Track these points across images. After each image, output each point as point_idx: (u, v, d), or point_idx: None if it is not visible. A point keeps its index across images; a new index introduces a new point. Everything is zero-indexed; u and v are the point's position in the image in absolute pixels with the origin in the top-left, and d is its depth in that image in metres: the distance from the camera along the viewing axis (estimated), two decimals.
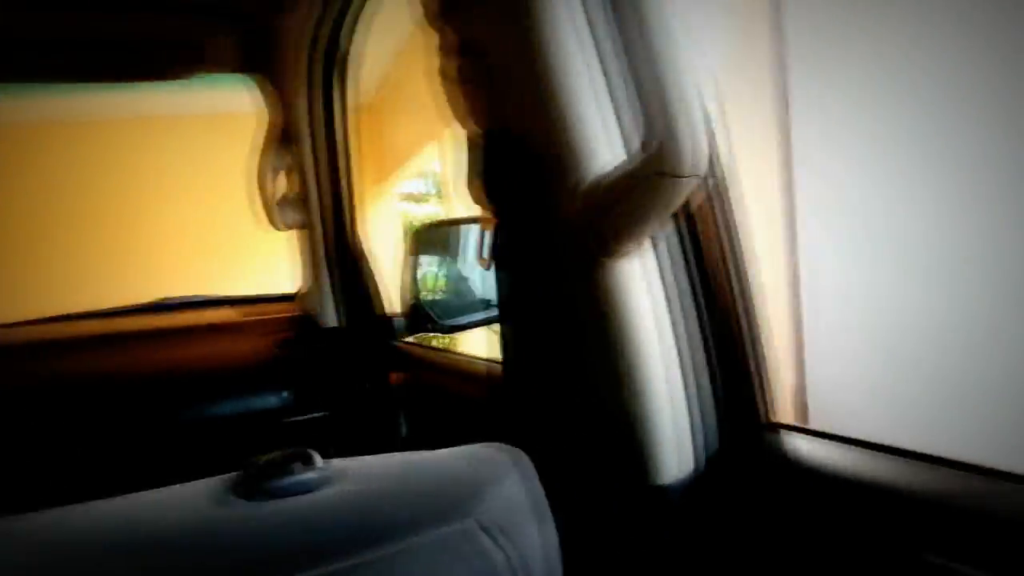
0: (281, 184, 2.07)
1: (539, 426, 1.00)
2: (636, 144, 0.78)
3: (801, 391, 1.69)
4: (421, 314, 1.63)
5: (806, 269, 1.71)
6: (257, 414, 1.89)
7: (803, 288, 1.70)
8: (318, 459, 0.68)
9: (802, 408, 1.64)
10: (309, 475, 0.66)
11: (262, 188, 2.00)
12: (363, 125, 2.14)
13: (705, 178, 0.82)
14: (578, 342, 0.91)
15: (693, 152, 0.72)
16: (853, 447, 0.80)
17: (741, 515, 0.86)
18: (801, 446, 0.85)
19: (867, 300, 1.58)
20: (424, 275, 1.68)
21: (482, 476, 0.71)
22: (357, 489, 0.67)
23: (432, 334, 1.95)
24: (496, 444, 0.78)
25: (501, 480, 0.71)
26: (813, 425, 0.89)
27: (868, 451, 0.78)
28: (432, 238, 1.73)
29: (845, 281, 1.63)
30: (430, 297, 1.68)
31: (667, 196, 0.74)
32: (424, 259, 1.67)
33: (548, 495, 0.73)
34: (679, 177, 0.72)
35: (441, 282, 1.72)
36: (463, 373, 1.61)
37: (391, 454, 0.75)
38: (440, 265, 1.72)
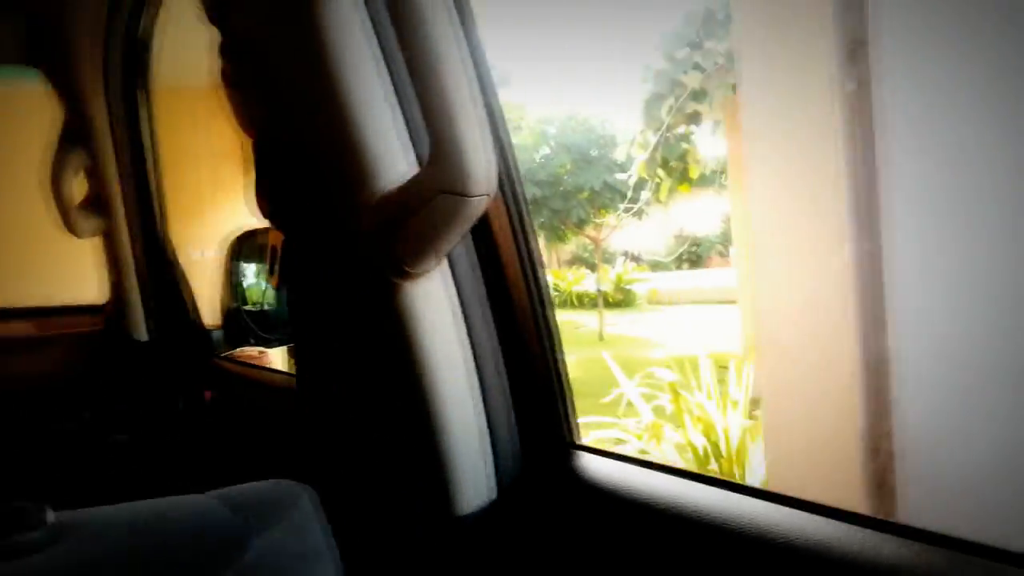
0: (81, 186, 1.89)
1: (334, 456, 0.97)
2: (441, 165, 0.74)
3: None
4: (242, 327, 1.53)
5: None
6: (52, 438, 1.72)
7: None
8: (49, 513, 0.60)
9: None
10: (32, 535, 0.58)
11: (56, 190, 1.82)
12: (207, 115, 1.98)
13: (502, 198, 0.81)
14: (372, 366, 0.88)
15: (481, 171, 0.70)
16: (651, 469, 0.83)
17: (543, 537, 0.87)
18: (602, 467, 0.86)
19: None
20: (247, 285, 1.57)
21: (249, 522, 0.65)
22: (90, 548, 0.60)
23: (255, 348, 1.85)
24: (280, 481, 0.73)
25: (272, 525, 0.66)
26: None
27: (664, 473, 0.81)
28: (253, 246, 1.59)
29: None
30: (252, 309, 1.56)
31: (458, 215, 0.72)
32: (246, 268, 1.56)
33: (340, 530, 0.69)
34: (467, 196, 0.71)
35: (265, 293, 1.58)
36: (285, 391, 1.52)
37: (141, 502, 0.68)
38: (262, 275, 1.63)
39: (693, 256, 20.62)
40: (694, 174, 7.34)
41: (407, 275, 0.79)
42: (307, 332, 0.96)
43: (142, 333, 1.93)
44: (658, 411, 4.96)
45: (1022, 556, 0.55)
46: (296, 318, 0.97)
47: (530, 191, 11.24)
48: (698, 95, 6.57)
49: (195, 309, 1.91)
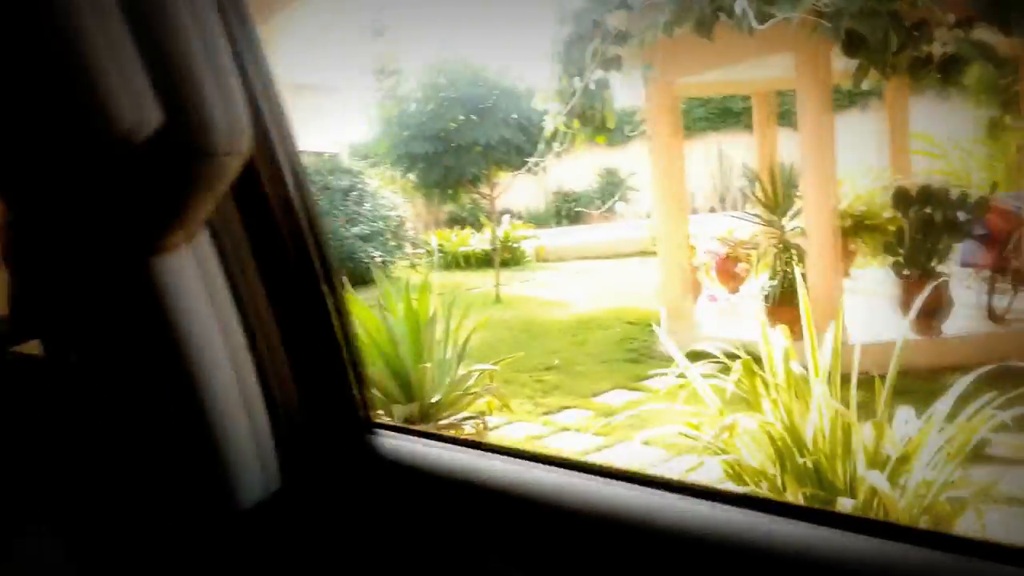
0: None
1: (91, 458, 0.91)
2: (177, 118, 0.64)
3: None
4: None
5: None
6: None
7: None
8: None
9: None
10: None
11: None
12: None
13: (276, 162, 0.79)
14: (127, 356, 0.80)
15: (226, 125, 0.65)
16: (452, 444, 0.88)
17: (340, 520, 0.88)
18: (401, 445, 0.90)
19: None
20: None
21: None
22: None
23: None
24: None
25: None
26: None
27: (465, 448, 0.87)
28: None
29: None
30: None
31: (203, 175, 0.66)
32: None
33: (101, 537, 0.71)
34: (212, 154, 0.65)
35: None
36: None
37: None
38: None
39: (573, 213, 20.61)
40: (611, 124, 6.95)
41: (157, 248, 0.72)
42: (47, 323, 0.88)
43: None
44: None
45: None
46: (27, 308, 0.88)
47: (421, 147, 10.57)
48: (622, 37, 6.16)
49: None
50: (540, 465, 0.79)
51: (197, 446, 0.80)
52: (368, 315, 3.71)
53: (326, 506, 0.87)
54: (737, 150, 18.10)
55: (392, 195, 15.24)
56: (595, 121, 6.99)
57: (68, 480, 0.86)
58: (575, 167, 19.37)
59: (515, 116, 10.67)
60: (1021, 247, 5.93)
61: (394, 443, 0.89)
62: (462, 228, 17.29)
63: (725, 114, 17.93)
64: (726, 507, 0.67)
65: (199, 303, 0.77)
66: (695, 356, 6.79)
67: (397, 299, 3.88)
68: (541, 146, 10.99)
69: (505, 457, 0.82)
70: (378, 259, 14.38)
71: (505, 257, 12.16)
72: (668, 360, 6.97)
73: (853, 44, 5.02)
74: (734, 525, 0.65)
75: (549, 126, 7.39)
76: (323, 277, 0.86)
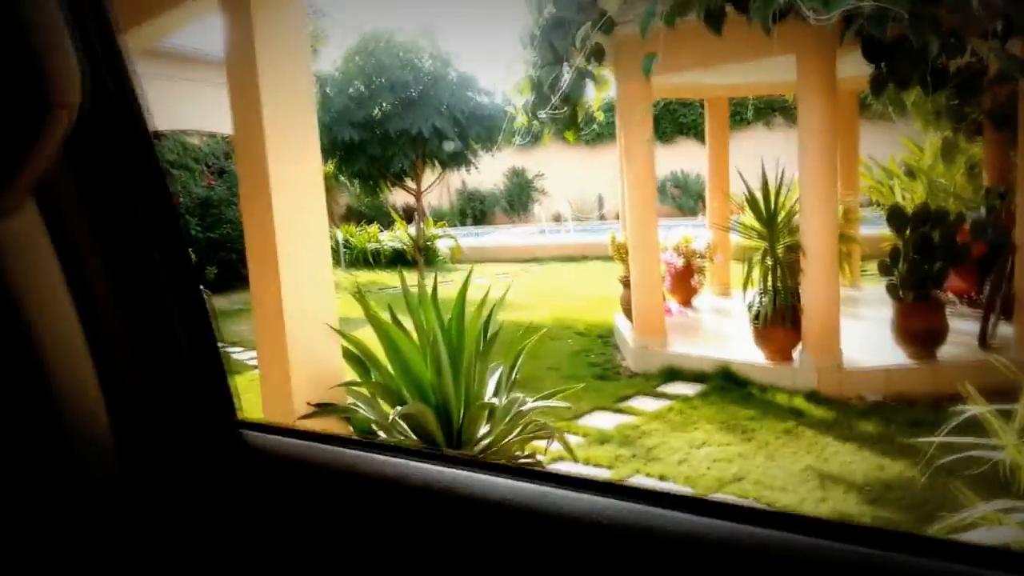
0: None
1: None
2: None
3: None
4: None
5: None
6: None
7: None
8: None
9: None
10: None
11: None
12: None
13: (109, 128, 0.77)
14: None
15: (57, 76, 0.59)
16: (320, 442, 0.91)
17: (207, 517, 0.89)
18: (268, 443, 0.92)
19: None
20: None
21: None
22: None
23: None
24: None
25: None
26: None
27: (333, 444, 0.90)
28: None
29: None
30: None
31: (36, 129, 0.59)
32: None
33: None
34: (45, 105, 0.59)
35: None
36: None
37: None
38: None
39: (479, 213, 19.97)
40: (581, 119, 6.38)
41: None
42: None
43: None
44: None
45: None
46: None
47: (345, 134, 9.63)
48: (609, 24, 5.60)
49: None
50: (411, 459, 0.84)
51: (36, 447, 0.77)
52: (398, 334, 2.95)
53: (185, 499, 0.88)
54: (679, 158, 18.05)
55: None
56: (565, 117, 6.40)
57: None
58: (543, 163, 18.78)
59: (447, 106, 9.92)
60: (1000, 271, 5.80)
61: (261, 439, 0.91)
62: (358, 224, 16.28)
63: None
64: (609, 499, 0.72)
65: (25, 279, 0.72)
66: (671, 374, 6.36)
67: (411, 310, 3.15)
68: (497, 138, 10.28)
69: (376, 451, 0.86)
70: None
71: (417, 257, 11.42)
72: (643, 377, 6.52)
73: (882, 50, 4.67)
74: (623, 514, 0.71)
75: (517, 117, 6.73)
76: (174, 262, 0.84)
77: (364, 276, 13.10)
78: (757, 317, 5.78)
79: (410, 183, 10.72)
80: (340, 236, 14.50)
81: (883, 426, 4.88)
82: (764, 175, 5.98)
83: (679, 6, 5.19)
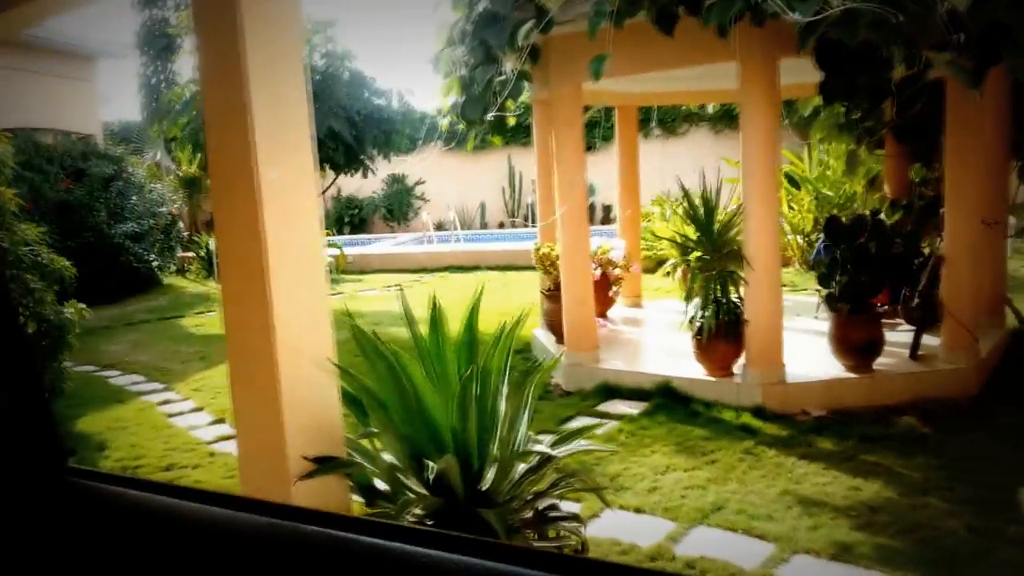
0: None
1: None
2: None
3: None
4: None
5: None
6: None
7: None
8: None
9: None
10: None
11: None
12: None
13: None
14: None
15: None
16: (148, 491, 0.89)
17: (36, 562, 0.88)
18: (102, 490, 0.91)
19: None
20: None
21: None
22: None
23: None
24: None
25: None
26: None
27: (164, 494, 0.88)
28: None
29: None
30: None
31: None
32: None
33: None
34: None
35: None
36: None
37: None
38: None
39: (357, 220, 19.17)
40: (512, 122, 6.03)
41: None
42: None
43: None
44: None
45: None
46: None
47: None
48: (548, 24, 5.27)
49: None
50: (241, 511, 0.82)
51: None
52: (415, 369, 2.45)
53: (9, 549, 0.86)
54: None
55: (161, 188, 12.96)
56: (495, 119, 6.01)
57: None
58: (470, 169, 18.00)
59: (345, 107, 9.30)
60: (929, 282, 5.93)
61: (96, 488, 0.90)
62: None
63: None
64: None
65: None
66: (608, 391, 6.08)
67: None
68: (395, 142, 9.70)
69: (204, 503, 0.85)
70: (154, 263, 12.12)
71: None
72: (578, 396, 6.20)
73: (842, 57, 4.59)
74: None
75: (442, 120, 6.27)
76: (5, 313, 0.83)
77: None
78: (700, 331, 5.60)
79: None
80: (212, 244, 13.44)
81: (840, 442, 4.78)
82: (704, 181, 5.83)
83: (630, 5, 4.93)
